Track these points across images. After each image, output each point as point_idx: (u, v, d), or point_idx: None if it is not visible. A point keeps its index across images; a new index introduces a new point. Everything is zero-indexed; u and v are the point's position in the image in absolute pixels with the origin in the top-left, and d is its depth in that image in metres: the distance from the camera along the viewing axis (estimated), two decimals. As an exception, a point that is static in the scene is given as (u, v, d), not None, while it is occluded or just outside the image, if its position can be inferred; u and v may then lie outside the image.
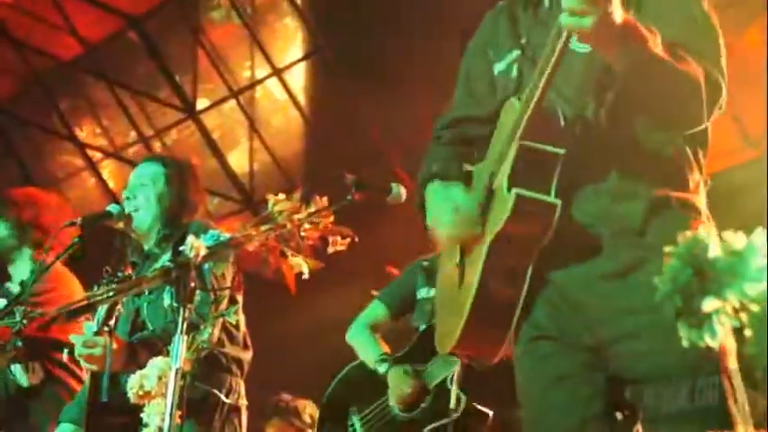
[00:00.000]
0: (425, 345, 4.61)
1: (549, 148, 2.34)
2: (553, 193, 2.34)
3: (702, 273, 1.27)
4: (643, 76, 2.28)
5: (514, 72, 2.59)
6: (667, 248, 1.30)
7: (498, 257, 2.41)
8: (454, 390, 4.45)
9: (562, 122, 2.39)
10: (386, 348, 4.96)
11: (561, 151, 2.33)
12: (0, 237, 4.92)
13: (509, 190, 2.34)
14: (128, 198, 4.39)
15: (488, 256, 2.41)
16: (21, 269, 4.88)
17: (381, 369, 4.77)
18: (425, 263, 4.95)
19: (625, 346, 2.38)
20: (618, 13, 2.18)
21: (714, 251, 1.28)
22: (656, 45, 2.27)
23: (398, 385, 4.66)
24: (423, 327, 4.80)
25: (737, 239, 1.28)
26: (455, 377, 4.45)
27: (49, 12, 12.05)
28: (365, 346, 4.99)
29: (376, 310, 5.12)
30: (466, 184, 2.62)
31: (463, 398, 4.46)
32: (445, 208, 2.57)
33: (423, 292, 4.90)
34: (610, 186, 2.42)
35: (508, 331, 2.47)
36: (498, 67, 2.67)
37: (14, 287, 4.77)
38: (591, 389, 2.47)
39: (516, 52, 2.60)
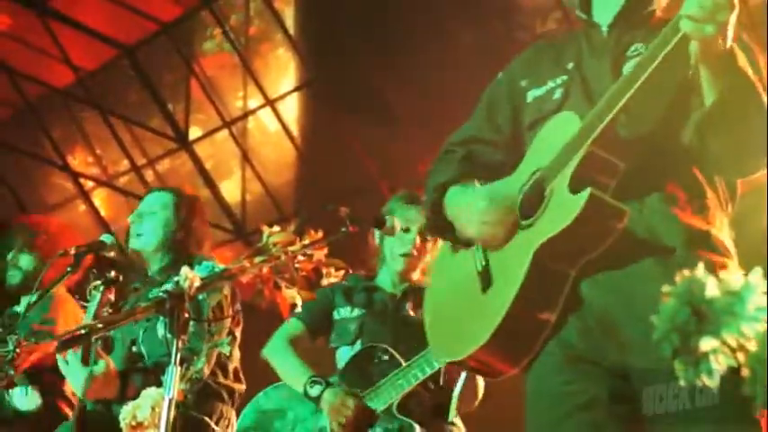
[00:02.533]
0: (361, 368, 4.36)
1: (614, 160, 2.29)
2: None
3: (700, 312, 1.28)
4: (738, 104, 2.19)
5: (557, 95, 2.54)
6: (665, 288, 1.31)
7: (546, 263, 2.29)
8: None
9: (622, 137, 2.35)
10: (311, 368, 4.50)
11: (622, 165, 2.28)
12: (26, 269, 4.92)
13: (574, 192, 2.25)
14: (132, 222, 4.42)
15: (534, 261, 2.28)
16: None
17: (313, 392, 4.32)
18: (344, 282, 4.53)
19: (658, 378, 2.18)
20: (731, 31, 2.11)
21: (712, 291, 1.29)
22: (758, 76, 2.21)
23: (338, 408, 4.24)
24: (346, 347, 4.49)
25: (735, 279, 1.29)
26: (397, 403, 4.20)
27: (43, 40, 12.08)
28: (288, 364, 4.51)
29: (294, 325, 4.65)
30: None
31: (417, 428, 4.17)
32: (475, 203, 2.47)
33: (343, 312, 4.59)
34: (652, 205, 2.34)
35: (536, 347, 2.34)
36: (534, 93, 2.62)
37: (21, 315, 4.76)
38: (615, 423, 2.31)
39: (563, 78, 2.56)
